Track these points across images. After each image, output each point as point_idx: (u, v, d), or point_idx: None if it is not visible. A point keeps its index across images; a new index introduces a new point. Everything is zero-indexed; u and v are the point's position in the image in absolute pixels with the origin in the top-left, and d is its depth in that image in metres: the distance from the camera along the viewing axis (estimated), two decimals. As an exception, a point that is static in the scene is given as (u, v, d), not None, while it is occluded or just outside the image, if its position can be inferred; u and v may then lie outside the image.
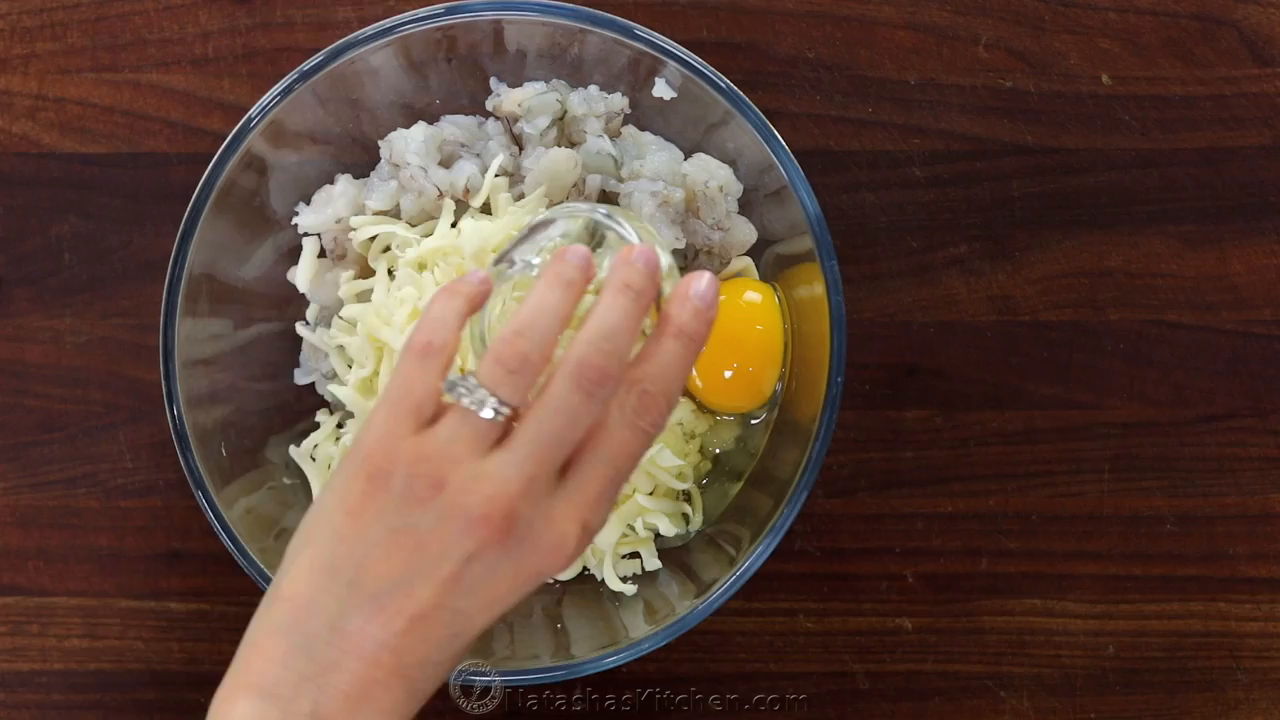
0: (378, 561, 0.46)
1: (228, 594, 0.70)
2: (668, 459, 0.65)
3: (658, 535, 0.66)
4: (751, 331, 0.66)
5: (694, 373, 0.66)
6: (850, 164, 0.71)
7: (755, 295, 0.66)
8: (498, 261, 0.54)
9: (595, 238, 0.55)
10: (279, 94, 0.62)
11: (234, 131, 0.62)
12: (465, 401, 0.47)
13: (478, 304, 0.50)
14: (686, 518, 0.67)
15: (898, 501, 0.71)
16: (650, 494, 0.65)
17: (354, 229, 0.66)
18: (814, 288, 0.62)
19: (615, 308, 0.48)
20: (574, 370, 0.47)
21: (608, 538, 0.65)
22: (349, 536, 0.47)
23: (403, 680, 0.46)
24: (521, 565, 0.47)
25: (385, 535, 0.46)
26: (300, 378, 0.68)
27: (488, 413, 0.46)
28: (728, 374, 0.66)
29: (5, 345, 0.71)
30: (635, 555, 0.67)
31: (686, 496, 0.68)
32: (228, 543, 0.62)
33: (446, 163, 0.66)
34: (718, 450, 0.69)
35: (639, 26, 0.63)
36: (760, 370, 0.66)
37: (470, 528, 0.46)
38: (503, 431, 0.47)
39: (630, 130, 0.67)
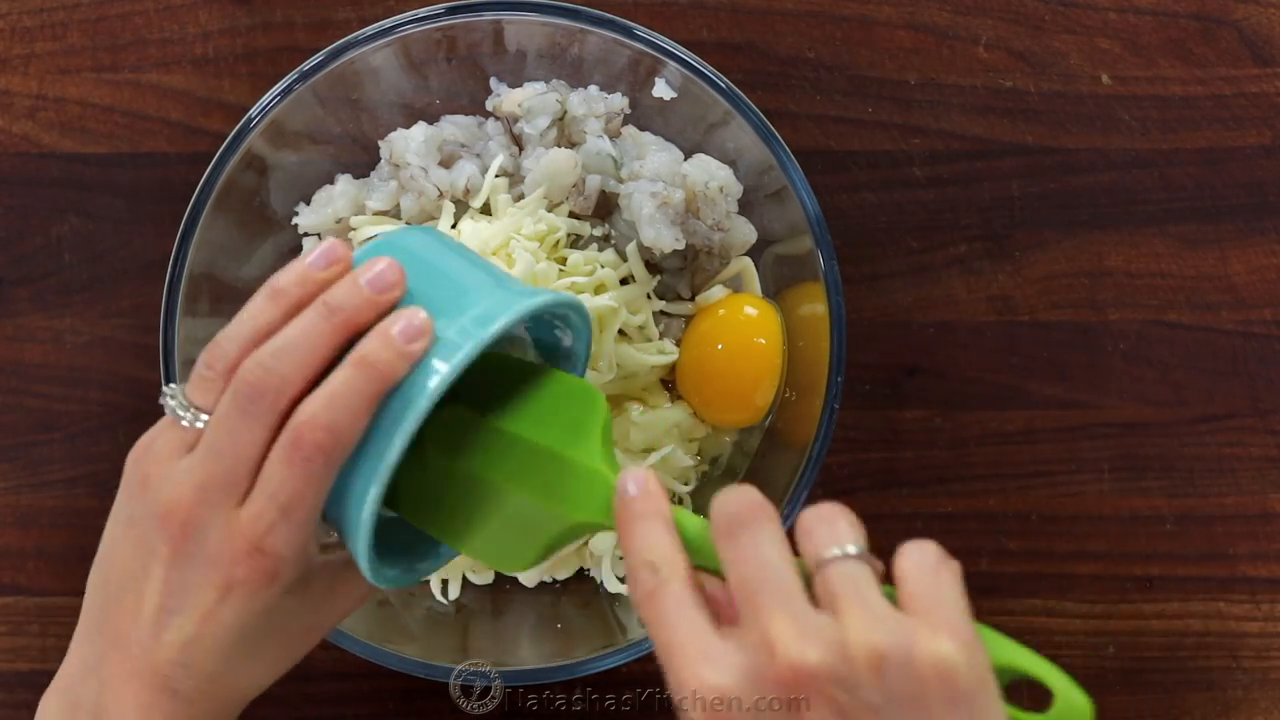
0: (120, 554, 0.49)
1: (228, 594, 0.70)
2: (680, 459, 0.65)
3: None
4: (750, 345, 0.66)
5: (691, 387, 0.66)
6: (850, 164, 0.71)
7: (753, 310, 0.66)
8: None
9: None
10: (279, 94, 0.62)
11: (234, 131, 0.62)
12: (168, 405, 0.49)
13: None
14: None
15: (897, 501, 0.71)
16: None
17: (354, 229, 0.66)
18: (812, 290, 0.62)
19: (298, 323, 0.47)
20: (234, 385, 0.47)
21: (605, 540, 0.65)
22: (106, 531, 0.51)
23: (158, 677, 0.48)
24: (209, 573, 0.47)
25: (123, 529, 0.50)
26: (300, 378, 0.68)
27: (184, 418, 0.48)
28: (727, 389, 0.66)
29: (5, 345, 0.71)
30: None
31: (679, 500, 0.68)
32: (228, 543, 0.62)
33: (446, 163, 0.66)
34: (716, 457, 0.69)
35: (639, 26, 0.63)
36: (758, 386, 0.66)
37: (159, 525, 0.48)
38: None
39: (630, 130, 0.67)
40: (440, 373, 0.47)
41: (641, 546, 0.45)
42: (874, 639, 0.41)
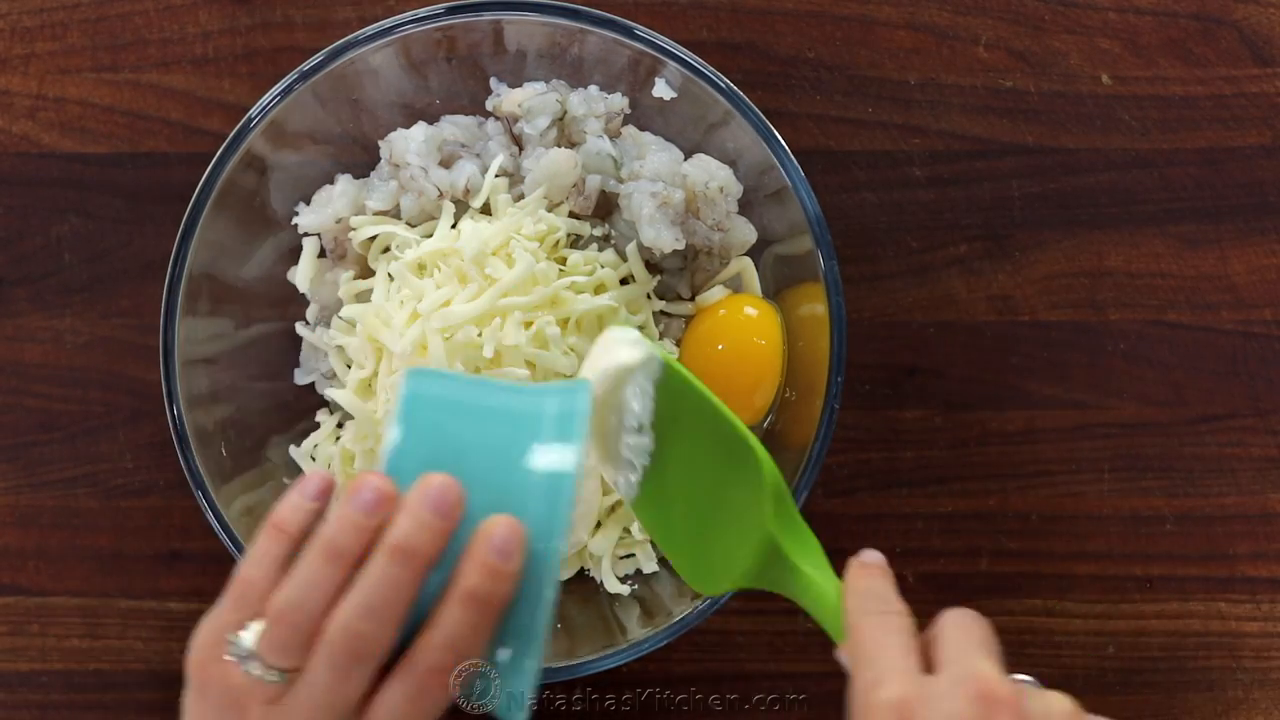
0: None
1: (228, 594, 0.71)
2: None
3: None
4: (750, 346, 0.66)
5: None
6: (850, 164, 0.71)
7: (753, 310, 0.66)
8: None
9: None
10: (279, 94, 0.62)
11: (234, 131, 0.62)
12: (249, 667, 0.47)
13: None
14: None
15: (897, 501, 0.71)
16: None
17: (354, 229, 0.66)
18: (812, 290, 0.62)
19: (376, 575, 0.46)
20: (327, 651, 0.46)
21: (605, 541, 0.65)
22: None
23: None
24: None
25: None
26: (300, 378, 0.68)
27: (268, 678, 0.47)
28: (726, 389, 0.66)
29: (5, 345, 0.71)
30: (633, 556, 0.67)
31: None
32: (227, 543, 0.62)
33: (446, 163, 0.66)
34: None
35: (639, 26, 0.63)
36: (757, 387, 0.66)
37: None
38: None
39: (630, 130, 0.67)
40: (560, 551, 0.47)
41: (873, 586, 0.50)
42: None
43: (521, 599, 0.47)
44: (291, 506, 0.49)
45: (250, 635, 0.47)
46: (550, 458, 0.48)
